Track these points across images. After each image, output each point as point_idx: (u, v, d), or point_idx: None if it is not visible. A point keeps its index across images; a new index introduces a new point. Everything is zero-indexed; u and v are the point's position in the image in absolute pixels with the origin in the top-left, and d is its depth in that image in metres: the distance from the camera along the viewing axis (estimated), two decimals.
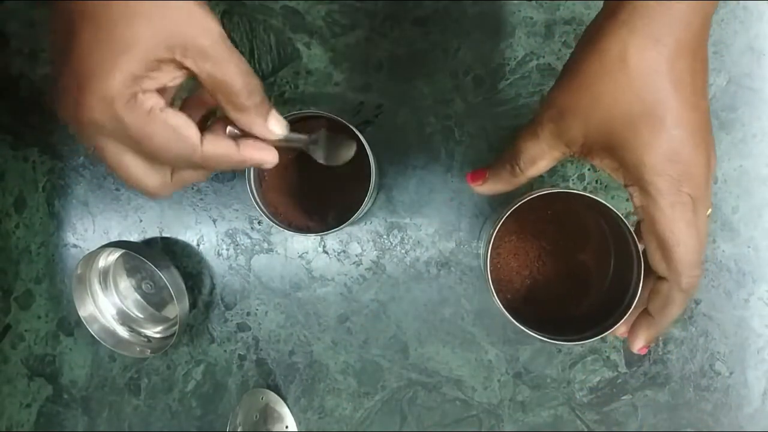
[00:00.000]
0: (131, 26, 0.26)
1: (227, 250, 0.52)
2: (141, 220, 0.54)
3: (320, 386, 0.52)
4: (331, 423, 0.52)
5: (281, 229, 0.44)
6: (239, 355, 0.53)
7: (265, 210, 0.44)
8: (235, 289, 0.53)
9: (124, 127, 0.28)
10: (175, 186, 0.33)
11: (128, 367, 0.54)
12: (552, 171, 0.49)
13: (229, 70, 0.29)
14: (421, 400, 0.51)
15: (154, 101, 0.28)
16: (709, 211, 0.34)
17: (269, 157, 0.33)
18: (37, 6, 0.54)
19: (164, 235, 0.53)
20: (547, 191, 0.38)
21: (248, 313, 0.53)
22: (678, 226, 0.31)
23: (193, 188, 0.52)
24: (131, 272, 0.55)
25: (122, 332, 0.54)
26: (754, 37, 0.48)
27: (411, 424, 0.51)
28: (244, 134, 0.32)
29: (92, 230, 0.55)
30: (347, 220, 0.43)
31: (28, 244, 0.55)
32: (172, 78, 0.29)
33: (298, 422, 0.52)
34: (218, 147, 0.31)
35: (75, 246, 0.55)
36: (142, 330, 0.54)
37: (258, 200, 0.44)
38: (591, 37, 0.31)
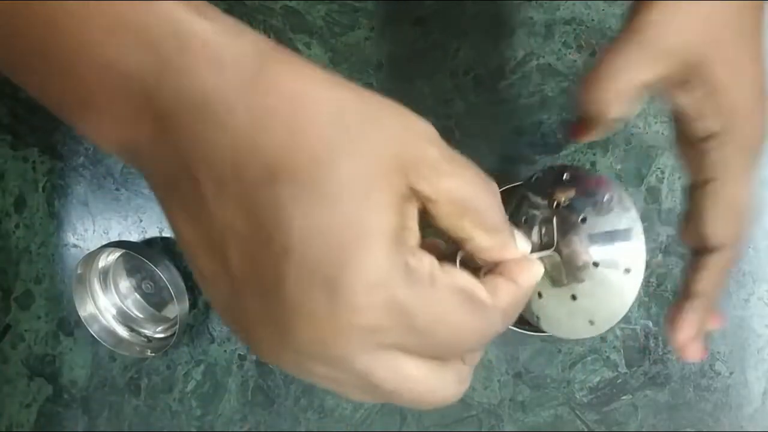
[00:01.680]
0: (356, 166, 0.17)
1: None
2: (141, 220, 0.54)
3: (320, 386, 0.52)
4: (331, 423, 0.52)
5: None
6: (239, 355, 0.53)
7: None
8: None
9: (410, 317, 0.18)
10: (471, 374, 0.22)
11: (128, 367, 0.54)
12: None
13: (469, 180, 0.20)
14: None
15: (428, 261, 0.19)
16: None
17: (539, 271, 0.23)
18: None
19: (164, 235, 0.53)
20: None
21: None
22: (745, 193, 0.27)
23: None
24: (131, 272, 0.55)
25: (122, 332, 0.54)
26: None
27: (411, 424, 0.51)
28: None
29: (92, 230, 0.55)
30: None
31: (28, 244, 0.55)
32: (414, 218, 0.20)
33: (298, 422, 0.52)
34: (506, 291, 0.21)
35: (75, 246, 0.55)
36: (142, 330, 0.54)
37: None
38: None
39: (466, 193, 0.20)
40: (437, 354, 0.20)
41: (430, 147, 0.20)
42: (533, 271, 0.22)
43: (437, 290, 0.18)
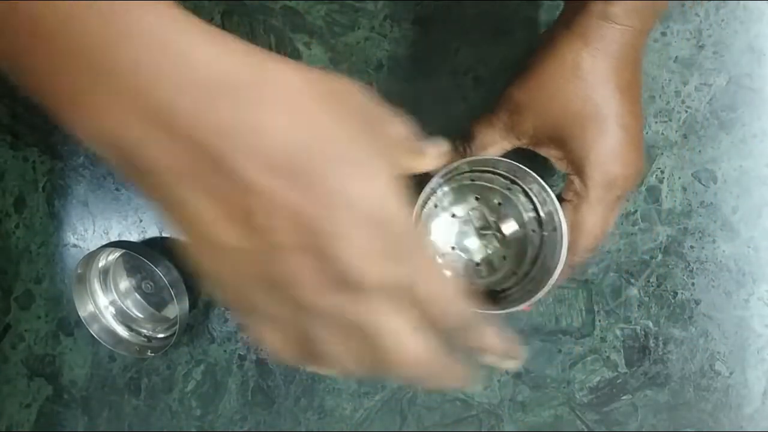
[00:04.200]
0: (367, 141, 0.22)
1: None
2: (141, 220, 0.54)
3: (320, 386, 0.52)
4: (331, 423, 0.52)
5: None
6: (239, 355, 0.53)
7: None
8: None
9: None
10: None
11: (128, 367, 0.54)
12: (551, 171, 0.49)
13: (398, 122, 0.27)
14: (421, 400, 0.51)
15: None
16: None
17: None
18: None
19: (164, 235, 0.54)
20: (474, 159, 0.41)
21: None
22: (595, 220, 0.36)
23: None
24: (131, 272, 0.55)
25: (122, 332, 0.54)
26: (754, 37, 0.48)
27: (411, 424, 0.51)
28: None
29: (92, 230, 0.55)
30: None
31: (28, 244, 0.55)
32: None
33: (298, 422, 0.52)
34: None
35: (75, 246, 0.55)
36: (142, 330, 0.55)
37: None
38: (548, 44, 0.36)
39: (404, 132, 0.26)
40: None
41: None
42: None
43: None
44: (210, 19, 0.51)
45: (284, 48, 0.51)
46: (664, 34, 0.48)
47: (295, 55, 0.50)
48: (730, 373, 0.49)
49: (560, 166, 0.37)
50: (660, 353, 0.49)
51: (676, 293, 0.49)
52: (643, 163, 0.37)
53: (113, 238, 0.54)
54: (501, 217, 0.46)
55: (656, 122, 0.48)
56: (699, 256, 0.49)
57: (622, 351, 0.50)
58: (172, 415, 0.54)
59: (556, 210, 0.40)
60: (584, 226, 0.37)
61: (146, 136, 0.19)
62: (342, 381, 0.52)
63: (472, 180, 0.46)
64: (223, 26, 0.51)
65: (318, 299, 0.21)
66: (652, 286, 0.49)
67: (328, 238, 0.20)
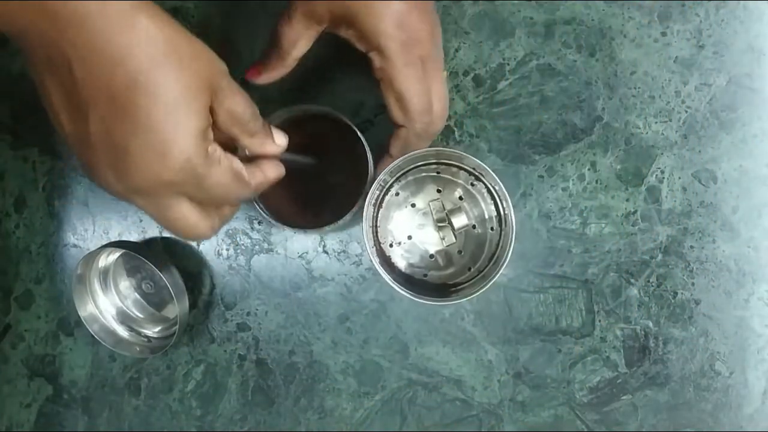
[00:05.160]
0: (183, 81, 0.28)
1: (227, 250, 0.52)
2: (141, 220, 0.54)
3: (320, 386, 0.52)
4: (331, 423, 0.52)
5: (281, 228, 0.44)
6: (239, 355, 0.53)
7: (263, 209, 0.44)
8: (235, 289, 0.53)
9: (200, 180, 0.30)
10: (222, 224, 0.35)
11: (128, 367, 0.54)
12: (551, 171, 0.49)
13: (240, 101, 0.31)
14: (421, 400, 0.51)
15: (219, 150, 0.31)
16: (446, 74, 0.43)
17: (281, 171, 0.37)
18: None
19: (164, 235, 0.54)
20: (440, 150, 0.43)
21: (248, 313, 0.53)
22: (410, 81, 0.38)
23: None
24: (131, 272, 0.55)
25: (122, 332, 0.54)
26: (754, 37, 0.48)
27: (411, 424, 0.51)
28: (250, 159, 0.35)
29: (92, 230, 0.55)
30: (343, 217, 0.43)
31: (28, 244, 0.55)
32: (211, 124, 0.30)
33: (298, 422, 0.52)
34: (258, 177, 0.34)
35: (75, 246, 0.55)
36: (142, 330, 0.54)
37: (257, 200, 0.45)
38: None
39: (234, 109, 0.31)
40: (209, 203, 0.33)
41: (223, 79, 0.30)
42: (274, 168, 0.36)
43: (221, 167, 0.31)
44: (210, 20, 0.51)
45: None
46: (664, 34, 0.48)
47: None
48: (730, 373, 0.49)
49: (361, 46, 0.38)
50: (660, 353, 0.49)
51: (676, 293, 0.49)
52: (434, 26, 0.39)
53: (113, 238, 0.54)
54: (455, 211, 0.46)
55: (656, 122, 0.48)
56: (699, 256, 0.49)
57: (622, 351, 0.50)
58: (172, 415, 0.54)
59: (511, 212, 0.42)
60: (404, 93, 0.38)
61: (31, 28, 0.26)
62: (342, 381, 0.52)
63: (438, 173, 0.47)
64: (222, 26, 0.51)
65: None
66: (652, 286, 0.49)
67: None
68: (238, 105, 0.31)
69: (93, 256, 0.50)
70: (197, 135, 0.28)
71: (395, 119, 0.40)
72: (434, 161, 0.46)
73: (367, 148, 0.42)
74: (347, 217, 0.43)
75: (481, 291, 0.42)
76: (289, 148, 0.37)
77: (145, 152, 0.28)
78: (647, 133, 0.48)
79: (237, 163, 0.32)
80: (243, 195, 0.33)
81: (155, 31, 0.27)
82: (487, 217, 0.47)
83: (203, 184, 0.30)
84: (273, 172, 0.36)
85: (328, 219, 0.45)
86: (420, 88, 0.38)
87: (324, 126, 0.46)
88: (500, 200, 0.44)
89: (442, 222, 0.47)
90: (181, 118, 0.28)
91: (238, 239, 0.52)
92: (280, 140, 0.36)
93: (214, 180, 0.30)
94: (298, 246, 0.52)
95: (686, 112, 0.48)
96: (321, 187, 0.47)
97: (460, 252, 0.48)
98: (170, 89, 0.27)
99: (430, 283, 0.48)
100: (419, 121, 0.39)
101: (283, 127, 0.37)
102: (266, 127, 0.35)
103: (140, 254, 0.49)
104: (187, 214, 0.32)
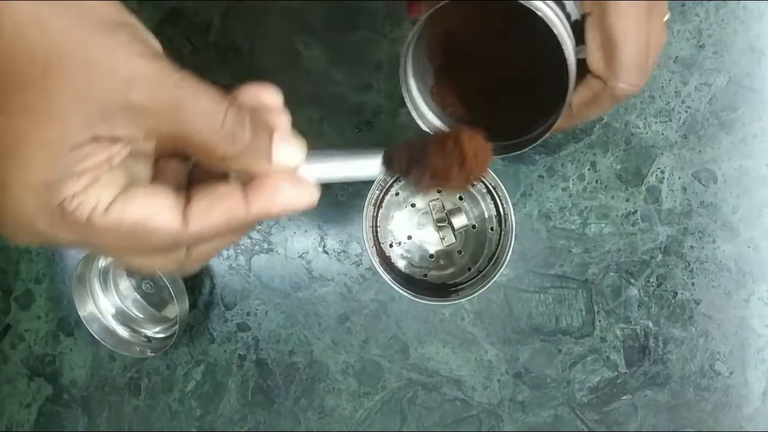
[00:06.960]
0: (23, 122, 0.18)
1: (227, 250, 0.52)
2: None
3: (320, 386, 0.52)
4: (331, 423, 0.52)
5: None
6: (239, 355, 0.53)
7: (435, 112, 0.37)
8: (235, 289, 0.53)
9: (69, 243, 0.21)
10: (197, 262, 0.24)
11: (128, 367, 0.54)
12: (551, 171, 0.49)
13: (185, 116, 0.20)
14: (421, 400, 0.51)
15: (91, 202, 0.20)
16: (667, 16, 0.31)
17: (305, 198, 0.22)
18: None
19: None
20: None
21: (248, 313, 0.53)
22: (630, 21, 0.28)
23: None
24: (131, 272, 0.55)
25: (122, 332, 0.54)
26: (754, 37, 0.48)
27: (411, 424, 0.51)
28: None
29: None
30: (539, 129, 0.32)
31: None
32: (107, 159, 0.20)
33: (298, 422, 0.52)
34: (212, 216, 0.21)
35: None
36: (142, 330, 0.54)
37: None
38: None
39: (176, 131, 0.20)
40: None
41: (127, 91, 0.19)
42: (276, 195, 0.22)
43: (93, 228, 0.20)
44: (210, 20, 0.51)
45: (284, 48, 0.51)
46: None
47: (295, 55, 0.50)
48: (730, 373, 0.49)
49: None
50: (660, 353, 0.49)
51: (676, 293, 0.49)
52: None
53: None
54: (454, 212, 0.46)
55: (656, 122, 0.48)
56: (699, 256, 0.49)
57: (622, 351, 0.50)
58: (172, 415, 0.54)
59: (511, 211, 0.41)
60: (617, 35, 0.28)
61: None
62: (342, 381, 0.52)
63: None
64: (223, 26, 0.51)
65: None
66: (652, 286, 0.49)
67: None
68: (181, 124, 0.20)
69: (93, 256, 0.50)
70: (35, 194, 0.19)
71: (594, 67, 0.29)
72: None
73: (559, 23, 0.30)
74: (543, 129, 0.32)
75: (480, 291, 0.42)
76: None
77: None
78: (647, 133, 0.48)
79: (134, 211, 0.20)
80: (171, 245, 0.22)
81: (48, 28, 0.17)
82: (486, 216, 0.47)
83: (82, 246, 0.21)
84: (278, 200, 0.22)
85: (518, 132, 0.34)
86: (638, 35, 0.28)
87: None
88: (500, 200, 0.44)
89: (442, 222, 0.47)
90: (9, 170, 0.19)
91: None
92: (285, 158, 0.23)
93: (95, 242, 0.21)
94: (298, 246, 0.52)
95: (686, 112, 0.48)
96: (508, 85, 0.37)
97: (460, 252, 0.48)
98: None
99: (430, 283, 0.48)
100: (626, 79, 0.29)
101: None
102: (256, 139, 0.22)
103: None
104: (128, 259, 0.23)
